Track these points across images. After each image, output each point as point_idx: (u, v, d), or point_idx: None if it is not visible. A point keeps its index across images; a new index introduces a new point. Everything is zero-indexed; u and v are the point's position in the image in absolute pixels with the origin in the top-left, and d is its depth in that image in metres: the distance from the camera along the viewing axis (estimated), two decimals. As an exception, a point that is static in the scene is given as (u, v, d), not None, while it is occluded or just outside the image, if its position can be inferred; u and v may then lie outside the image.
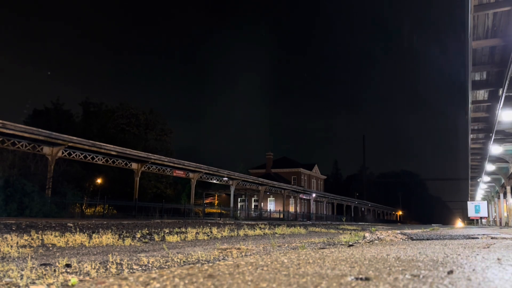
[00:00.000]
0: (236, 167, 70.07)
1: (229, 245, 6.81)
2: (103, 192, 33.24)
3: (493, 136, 21.14)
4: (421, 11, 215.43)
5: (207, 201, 55.50)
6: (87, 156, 26.28)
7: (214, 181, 39.76)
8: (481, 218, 52.16)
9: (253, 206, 58.16)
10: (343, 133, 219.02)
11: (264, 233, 11.97)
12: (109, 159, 27.80)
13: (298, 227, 16.09)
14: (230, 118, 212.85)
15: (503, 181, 32.44)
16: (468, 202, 54.87)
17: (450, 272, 2.45)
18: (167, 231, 11.15)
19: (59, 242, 6.71)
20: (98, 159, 27.07)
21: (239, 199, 57.16)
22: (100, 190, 35.58)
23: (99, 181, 39.57)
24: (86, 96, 74.98)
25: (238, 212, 43.54)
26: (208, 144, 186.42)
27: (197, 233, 10.29)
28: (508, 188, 30.65)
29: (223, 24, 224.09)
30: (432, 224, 59.60)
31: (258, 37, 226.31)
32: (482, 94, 20.65)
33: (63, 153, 24.14)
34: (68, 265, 3.66)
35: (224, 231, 11.67)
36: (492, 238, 7.74)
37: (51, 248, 6.01)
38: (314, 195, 60.23)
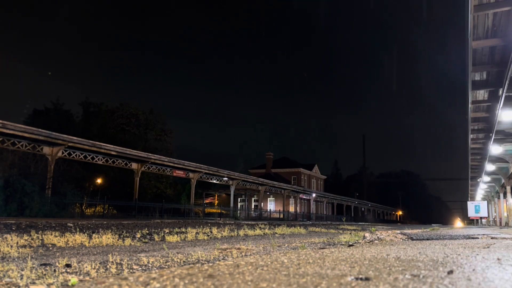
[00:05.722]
0: (236, 167, 70.35)
1: (229, 245, 6.81)
2: (103, 192, 33.27)
3: (493, 136, 21.14)
4: (421, 11, 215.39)
5: (207, 201, 55.48)
6: (87, 156, 26.27)
7: (214, 181, 39.76)
8: (481, 218, 52.17)
9: (253, 206, 58.14)
10: (343, 133, 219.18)
11: (264, 233, 11.97)
12: (109, 159, 27.80)
13: (298, 227, 16.09)
14: (230, 118, 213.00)
15: (503, 181, 32.42)
16: (468, 202, 54.89)
17: (450, 272, 2.45)
18: (167, 231, 11.15)
19: (59, 242, 6.70)
20: (98, 159, 27.07)
21: (239, 199, 57.14)
22: (100, 190, 35.61)
23: (99, 181, 39.56)
24: (86, 96, 75.06)
25: (238, 212, 43.53)
26: (208, 144, 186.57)
27: (197, 233, 10.29)
28: (508, 188, 30.65)
29: (222, 24, 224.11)
30: (432, 224, 59.61)
31: (257, 37, 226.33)
32: (482, 94, 20.66)
33: (63, 153, 24.14)
34: (68, 265, 3.66)
35: (224, 231, 11.66)
36: (492, 238, 7.74)
37: (51, 248, 6.01)
38: (314, 195, 60.22)
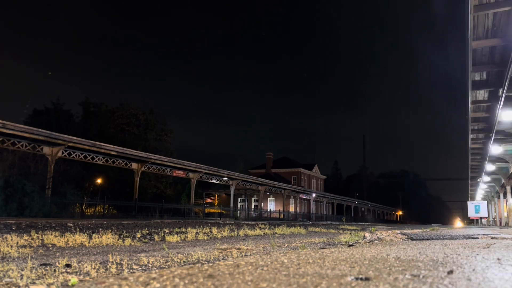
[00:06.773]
0: (236, 167, 70.21)
1: (229, 245, 6.81)
2: (103, 192, 33.24)
3: (493, 136, 21.15)
4: (421, 11, 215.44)
5: (207, 201, 55.49)
6: (87, 156, 26.28)
7: (214, 181, 39.77)
8: (481, 218, 52.19)
9: (253, 206, 58.14)
10: (343, 133, 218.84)
11: (264, 233, 11.97)
12: (109, 159, 27.80)
13: (298, 227, 16.09)
14: (230, 117, 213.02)
15: (503, 181, 32.44)
16: (468, 202, 54.92)
17: (450, 272, 2.45)
18: (167, 231, 11.15)
19: (59, 242, 6.70)
20: (98, 159, 27.07)
21: (239, 199, 57.14)
22: (100, 190, 35.59)
23: (99, 181, 39.56)
24: (86, 96, 74.92)
25: (238, 212, 43.53)
26: (208, 144, 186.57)
27: (197, 233, 10.29)
28: (508, 188, 30.66)
29: (222, 24, 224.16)
30: (432, 224, 59.62)
31: (257, 37, 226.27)
32: (482, 94, 20.67)
33: (63, 153, 24.14)
34: (68, 265, 3.66)
35: (224, 231, 11.67)
36: (492, 238, 7.74)
37: (51, 248, 6.01)
38: (314, 195, 60.22)
